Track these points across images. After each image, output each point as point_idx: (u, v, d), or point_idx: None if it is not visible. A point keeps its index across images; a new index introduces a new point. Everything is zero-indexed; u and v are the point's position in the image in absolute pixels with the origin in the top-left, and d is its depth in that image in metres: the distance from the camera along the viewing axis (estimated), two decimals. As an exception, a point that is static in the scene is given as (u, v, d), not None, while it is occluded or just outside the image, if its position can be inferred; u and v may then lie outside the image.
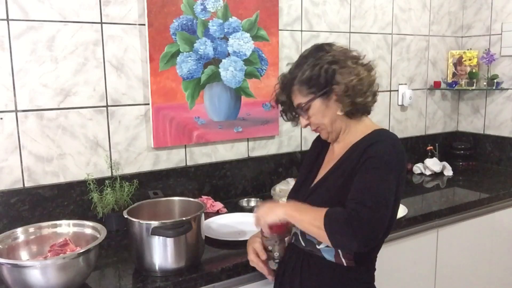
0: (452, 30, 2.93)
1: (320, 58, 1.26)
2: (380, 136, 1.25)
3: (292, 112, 1.39)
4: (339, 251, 1.24)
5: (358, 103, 1.26)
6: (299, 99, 1.30)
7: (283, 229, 1.30)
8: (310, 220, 1.17)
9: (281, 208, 1.24)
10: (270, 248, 1.33)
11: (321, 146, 1.43)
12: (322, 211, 1.16)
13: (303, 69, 1.27)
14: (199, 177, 2.05)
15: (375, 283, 1.34)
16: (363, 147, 1.23)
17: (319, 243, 1.26)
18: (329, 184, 1.28)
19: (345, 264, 1.24)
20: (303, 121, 1.34)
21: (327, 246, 1.24)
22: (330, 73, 1.24)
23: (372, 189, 1.14)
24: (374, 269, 1.34)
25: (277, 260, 1.34)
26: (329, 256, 1.26)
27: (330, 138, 1.34)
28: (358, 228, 1.09)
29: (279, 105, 1.41)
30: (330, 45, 1.31)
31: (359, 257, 1.24)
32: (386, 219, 1.14)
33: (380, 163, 1.18)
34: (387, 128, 2.66)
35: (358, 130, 1.30)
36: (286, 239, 1.34)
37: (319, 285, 1.27)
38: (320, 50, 1.29)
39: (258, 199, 2.08)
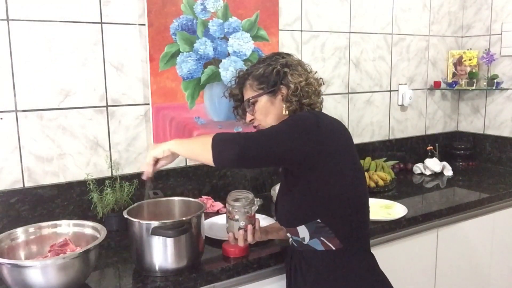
0: (452, 30, 2.93)
1: (275, 60, 1.42)
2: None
3: (242, 108, 1.50)
4: (322, 238, 1.29)
5: (304, 104, 1.38)
6: (249, 93, 1.44)
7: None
8: (199, 142, 1.26)
9: (165, 143, 1.30)
10: (236, 217, 1.40)
11: None
12: (210, 135, 1.24)
13: (258, 67, 1.42)
14: (199, 177, 2.05)
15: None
16: None
17: (304, 238, 1.32)
18: (282, 180, 1.40)
19: (333, 248, 1.29)
20: (248, 116, 1.46)
21: (312, 239, 1.30)
22: (281, 74, 1.38)
23: (273, 127, 1.27)
24: (369, 252, 1.36)
25: (242, 228, 1.40)
26: (317, 246, 1.31)
27: None
28: (241, 141, 1.19)
29: (232, 99, 1.53)
30: (288, 54, 1.47)
31: (343, 238, 1.28)
32: (270, 148, 1.20)
33: (289, 118, 1.30)
34: (387, 128, 2.68)
35: None
36: (253, 207, 1.41)
37: (318, 276, 1.32)
38: (277, 55, 1.45)
39: (258, 199, 2.07)
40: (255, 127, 1.47)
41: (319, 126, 1.24)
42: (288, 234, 1.41)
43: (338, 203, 1.27)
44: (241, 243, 1.41)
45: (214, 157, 1.21)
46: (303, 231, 1.31)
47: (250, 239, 1.41)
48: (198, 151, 1.25)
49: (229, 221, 1.41)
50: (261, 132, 1.26)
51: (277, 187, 2.07)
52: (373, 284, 1.33)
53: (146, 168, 1.33)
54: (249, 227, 1.40)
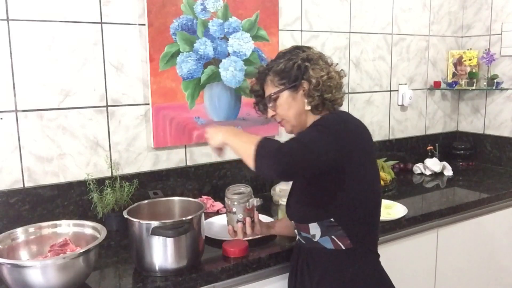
0: (452, 30, 2.93)
1: (296, 55, 1.38)
2: (326, 114, 1.35)
3: (263, 103, 1.46)
4: (333, 237, 1.29)
5: (326, 98, 1.35)
6: (270, 89, 1.40)
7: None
8: (244, 144, 1.23)
9: (220, 133, 1.30)
10: (234, 210, 1.42)
11: None
12: (257, 137, 1.22)
13: (279, 62, 1.38)
14: (199, 177, 2.05)
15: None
16: None
17: (314, 236, 1.32)
18: (294, 194, 1.40)
19: (343, 247, 1.30)
20: (270, 112, 1.43)
21: (323, 236, 1.31)
22: (302, 69, 1.34)
23: (307, 134, 1.25)
24: (376, 253, 1.38)
25: (240, 221, 1.43)
26: (327, 244, 1.31)
27: (294, 132, 1.41)
28: (284, 154, 1.16)
29: (253, 96, 1.50)
30: (308, 47, 1.42)
31: (354, 237, 1.29)
32: (312, 157, 1.18)
33: (316, 124, 1.27)
34: (387, 128, 2.68)
35: None
36: (250, 200, 1.42)
37: (324, 273, 1.32)
38: (297, 49, 1.41)
39: (258, 199, 2.07)
40: (279, 122, 1.44)
41: (348, 131, 1.25)
42: (296, 231, 1.41)
43: (354, 205, 1.28)
44: (240, 236, 1.42)
45: (256, 167, 1.20)
46: (314, 228, 1.31)
47: (248, 231, 1.42)
48: (242, 152, 1.24)
49: (228, 214, 1.44)
50: (299, 146, 1.19)
51: (277, 187, 2.07)
52: (378, 286, 1.34)
53: (214, 152, 1.38)
54: (247, 219, 1.42)
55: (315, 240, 1.33)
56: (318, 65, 1.35)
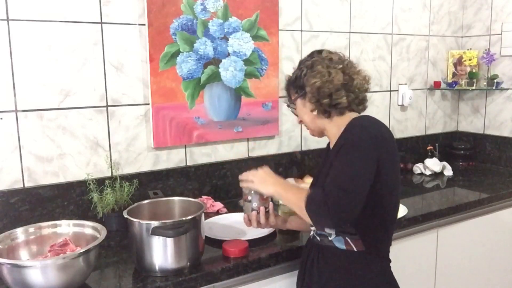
0: (452, 30, 2.93)
1: (304, 62, 1.41)
2: (352, 123, 1.31)
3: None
4: (347, 238, 1.31)
5: (324, 104, 1.34)
6: (291, 97, 1.47)
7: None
8: (294, 201, 1.29)
9: (272, 186, 1.36)
10: (249, 198, 1.45)
11: (327, 149, 1.49)
12: (304, 192, 1.27)
13: (294, 72, 1.43)
14: (199, 177, 2.05)
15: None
16: (340, 139, 1.31)
17: (330, 235, 1.34)
18: (319, 182, 1.37)
19: (355, 249, 1.31)
20: (297, 118, 1.49)
21: (337, 236, 1.32)
22: (303, 78, 1.37)
23: (344, 173, 1.22)
24: (388, 258, 1.38)
25: (255, 209, 1.46)
26: (340, 244, 1.33)
27: (315, 135, 1.46)
28: (332, 207, 1.17)
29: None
30: (320, 51, 1.42)
31: (367, 241, 1.30)
32: (358, 198, 1.19)
33: (349, 148, 1.24)
34: (387, 128, 2.68)
35: (341, 126, 1.34)
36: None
37: (333, 272, 1.34)
38: (310, 55, 1.42)
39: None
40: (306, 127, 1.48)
41: (377, 146, 1.24)
42: (312, 228, 1.43)
43: (373, 213, 1.28)
44: (254, 224, 1.45)
45: (314, 223, 1.26)
46: (330, 229, 1.33)
47: (262, 220, 1.45)
48: (295, 209, 1.30)
49: (244, 203, 1.47)
50: (343, 194, 1.19)
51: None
52: None
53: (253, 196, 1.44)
54: (262, 209, 1.44)
55: (330, 239, 1.34)
56: (314, 72, 1.34)
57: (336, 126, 1.36)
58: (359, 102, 1.40)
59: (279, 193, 1.34)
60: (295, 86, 1.41)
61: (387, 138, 1.29)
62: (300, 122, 1.48)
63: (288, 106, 1.50)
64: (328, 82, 1.32)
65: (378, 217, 1.30)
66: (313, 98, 1.35)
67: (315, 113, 1.37)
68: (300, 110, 1.43)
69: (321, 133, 1.43)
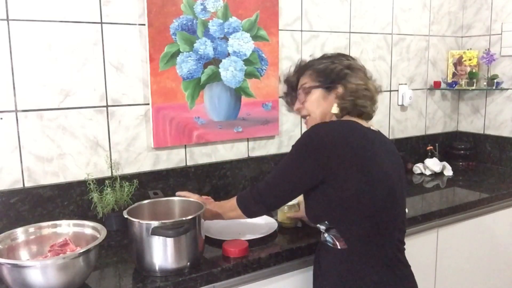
0: (452, 30, 2.93)
1: (339, 60, 1.44)
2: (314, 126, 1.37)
3: (292, 96, 1.54)
4: (332, 236, 1.34)
5: (357, 104, 1.39)
6: (306, 81, 1.46)
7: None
8: (229, 209, 1.48)
9: (211, 216, 1.53)
10: None
11: None
12: (233, 199, 1.46)
13: (321, 62, 1.45)
14: (199, 177, 2.05)
15: None
16: None
17: (323, 231, 1.39)
18: None
19: (339, 247, 1.34)
20: (297, 104, 1.49)
21: (326, 233, 1.37)
22: (342, 74, 1.39)
23: (273, 171, 1.39)
24: (375, 256, 1.32)
25: None
26: (329, 242, 1.37)
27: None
28: (256, 195, 1.39)
29: (285, 84, 1.57)
30: (353, 58, 1.48)
31: (349, 240, 1.32)
32: (278, 189, 1.36)
33: (292, 150, 1.35)
34: (387, 128, 2.68)
35: None
36: None
37: (326, 268, 1.38)
38: (342, 56, 1.47)
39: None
40: (303, 117, 1.50)
41: (319, 148, 1.28)
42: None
43: (347, 210, 1.29)
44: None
45: (244, 213, 1.44)
46: (321, 227, 1.38)
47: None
48: (234, 216, 1.48)
49: None
50: (265, 182, 1.39)
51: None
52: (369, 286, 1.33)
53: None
54: None
55: (325, 235, 1.39)
56: (358, 75, 1.40)
57: None
58: (370, 112, 1.46)
59: (220, 215, 1.51)
60: (321, 75, 1.41)
61: (338, 143, 1.27)
62: (298, 109, 1.48)
63: (293, 90, 1.51)
64: (368, 89, 1.40)
65: (355, 216, 1.29)
66: (351, 96, 1.37)
67: (336, 110, 1.39)
68: (315, 100, 1.42)
69: None
